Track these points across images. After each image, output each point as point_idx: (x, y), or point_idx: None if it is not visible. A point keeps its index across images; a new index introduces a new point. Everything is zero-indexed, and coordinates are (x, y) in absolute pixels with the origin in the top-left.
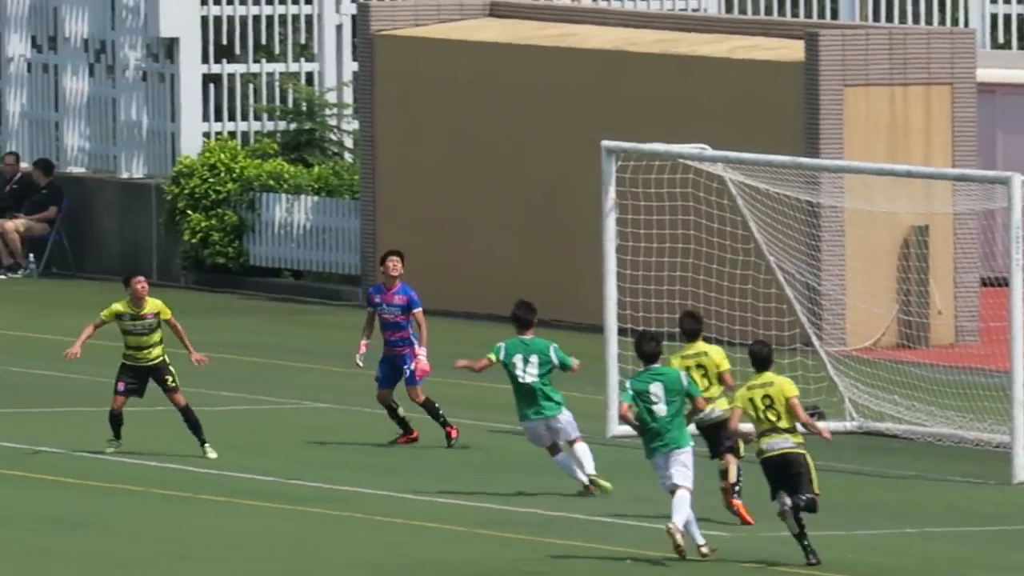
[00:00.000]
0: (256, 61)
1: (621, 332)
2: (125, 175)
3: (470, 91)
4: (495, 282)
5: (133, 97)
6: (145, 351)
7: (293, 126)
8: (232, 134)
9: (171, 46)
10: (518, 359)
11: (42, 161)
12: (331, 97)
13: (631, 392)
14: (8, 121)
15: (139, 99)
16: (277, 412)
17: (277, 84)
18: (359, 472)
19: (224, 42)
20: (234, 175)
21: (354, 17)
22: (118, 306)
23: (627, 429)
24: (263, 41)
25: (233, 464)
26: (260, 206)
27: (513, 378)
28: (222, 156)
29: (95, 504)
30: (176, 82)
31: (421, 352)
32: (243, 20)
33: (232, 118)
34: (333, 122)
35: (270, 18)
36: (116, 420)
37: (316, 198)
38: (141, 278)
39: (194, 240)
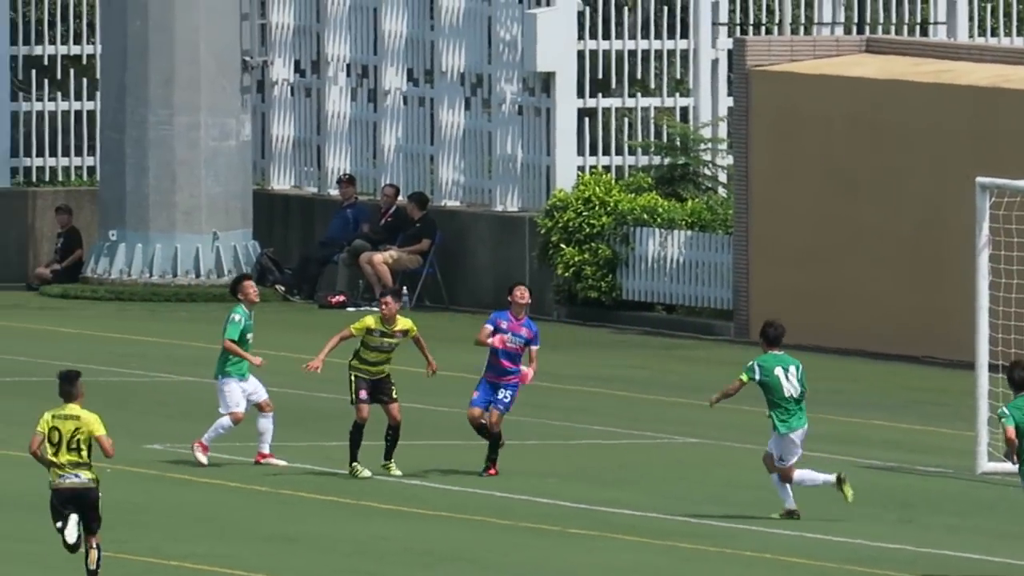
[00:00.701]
0: (631, 95)
1: (992, 368)
2: (499, 208)
3: (844, 127)
4: (866, 317)
5: (508, 131)
6: (381, 366)
7: (667, 161)
8: (607, 168)
9: (547, 80)
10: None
11: (416, 195)
12: (706, 132)
13: (1010, 416)
14: (383, 154)
15: (514, 133)
16: (647, 446)
17: (652, 119)
18: (729, 507)
19: (600, 76)
20: (608, 209)
21: (730, 52)
22: (370, 320)
23: (999, 465)
24: (639, 76)
25: (603, 498)
26: (634, 240)
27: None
28: (596, 190)
29: (462, 537)
30: (552, 116)
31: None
32: (619, 55)
33: (607, 152)
34: (707, 157)
35: (646, 53)
36: (360, 434)
37: (689, 232)
38: (389, 299)
39: (567, 274)
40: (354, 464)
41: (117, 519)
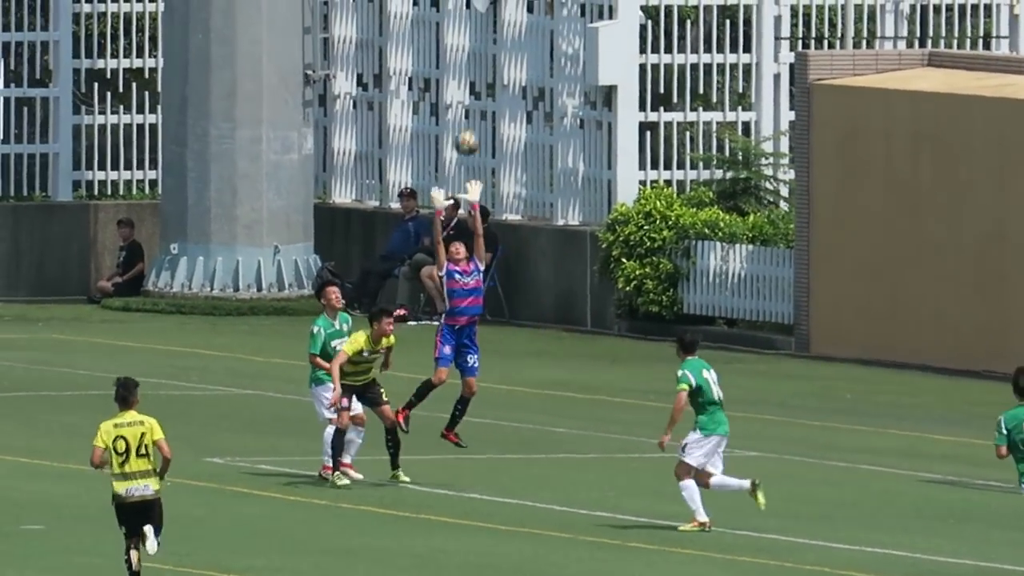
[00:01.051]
0: (693, 109)
1: None
2: (560, 222)
3: (906, 141)
4: (927, 331)
5: (570, 144)
6: (365, 375)
7: (729, 175)
8: (668, 182)
9: (609, 94)
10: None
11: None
12: (767, 146)
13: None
14: (445, 168)
15: (576, 146)
16: None
17: (714, 133)
18: (790, 521)
19: (662, 90)
20: (669, 223)
21: (792, 66)
22: (362, 341)
23: None
24: (701, 89)
25: (663, 511)
26: (695, 254)
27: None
28: (658, 204)
29: (523, 550)
30: (613, 130)
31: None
32: (681, 68)
33: (668, 166)
34: (769, 171)
35: (708, 66)
36: (341, 440)
37: (751, 247)
38: (393, 321)
39: (628, 288)
40: (336, 472)
41: (177, 532)
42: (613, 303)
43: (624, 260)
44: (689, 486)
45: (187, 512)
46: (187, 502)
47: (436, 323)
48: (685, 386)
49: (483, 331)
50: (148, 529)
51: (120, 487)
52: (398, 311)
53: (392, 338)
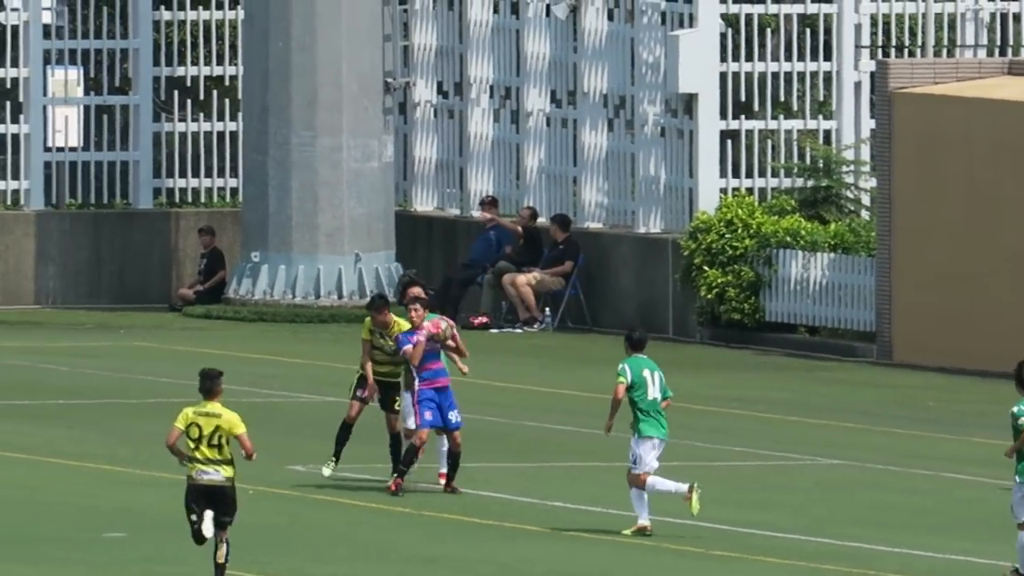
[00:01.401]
0: (774, 117)
1: None
2: (642, 230)
3: (987, 149)
4: (1008, 339)
5: (651, 153)
6: (389, 368)
7: (810, 183)
8: (749, 190)
9: (690, 102)
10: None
11: (559, 216)
12: (848, 154)
13: None
14: (526, 175)
15: (657, 154)
16: (790, 468)
17: (795, 141)
18: (872, 529)
19: (742, 98)
20: (751, 231)
21: (872, 74)
22: (368, 323)
23: None
24: (781, 97)
25: (745, 519)
26: (777, 262)
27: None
28: (739, 212)
29: (606, 558)
30: (694, 138)
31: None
32: (762, 76)
33: (749, 174)
34: (850, 179)
35: (788, 75)
36: (346, 433)
37: (832, 255)
38: (387, 311)
39: (710, 296)
40: (330, 460)
41: (259, 540)
42: (695, 311)
43: (706, 268)
44: (640, 494)
45: (269, 520)
46: (269, 510)
47: (519, 331)
48: (623, 379)
49: (566, 338)
50: (208, 514)
51: (190, 469)
52: (479, 319)
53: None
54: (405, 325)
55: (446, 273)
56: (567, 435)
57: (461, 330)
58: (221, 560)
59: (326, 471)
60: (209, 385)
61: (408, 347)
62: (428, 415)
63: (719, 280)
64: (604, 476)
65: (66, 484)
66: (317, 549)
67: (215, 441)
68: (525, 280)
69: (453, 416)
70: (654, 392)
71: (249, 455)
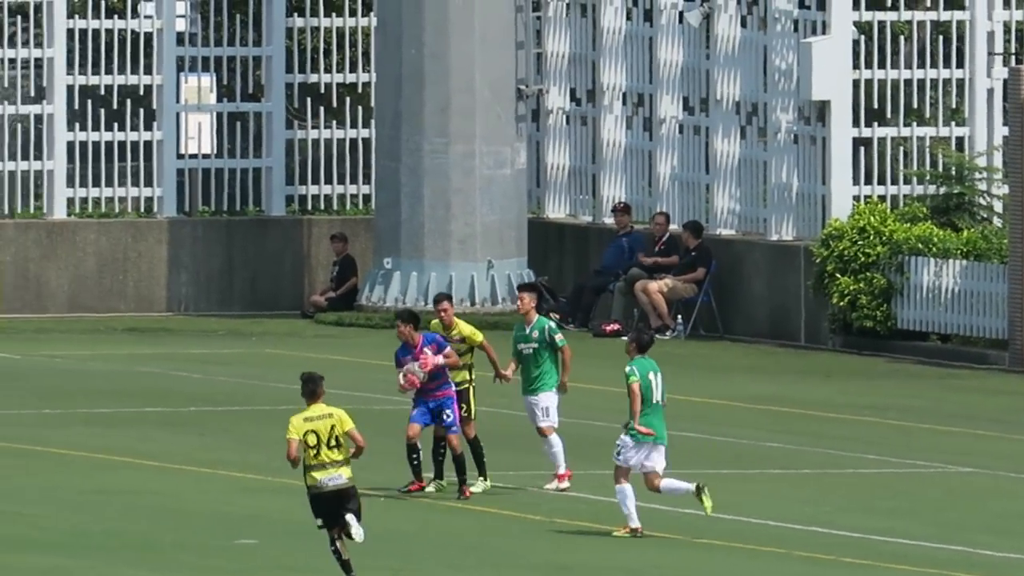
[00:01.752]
0: (907, 125)
1: None
2: (774, 238)
3: None
4: None
5: (784, 160)
6: (451, 372)
7: (943, 190)
8: (881, 197)
9: (823, 109)
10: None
11: (691, 223)
12: (981, 161)
13: None
14: (659, 182)
15: (790, 161)
16: (922, 476)
17: (927, 148)
18: (1004, 538)
19: (875, 105)
20: (883, 238)
21: (1005, 82)
22: (434, 324)
23: None
24: (914, 105)
25: (876, 527)
26: (909, 270)
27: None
28: (871, 219)
29: (736, 565)
30: (827, 145)
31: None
32: (894, 84)
33: (882, 181)
34: (983, 187)
35: (921, 82)
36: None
37: (964, 262)
38: (445, 304)
39: (842, 303)
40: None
41: (391, 547)
42: (827, 318)
43: (838, 275)
44: (623, 490)
45: (400, 527)
46: (399, 516)
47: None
48: (635, 379)
49: (697, 346)
50: (351, 517)
51: (314, 478)
52: (611, 326)
53: (471, 329)
54: (467, 328)
55: (578, 280)
56: (699, 442)
57: (593, 338)
58: (346, 556)
59: (430, 488)
60: (313, 387)
61: (411, 377)
62: (415, 412)
63: (851, 287)
64: (736, 483)
65: (198, 491)
66: (448, 556)
67: (333, 442)
68: (657, 287)
69: (447, 416)
70: (657, 395)
71: (360, 449)
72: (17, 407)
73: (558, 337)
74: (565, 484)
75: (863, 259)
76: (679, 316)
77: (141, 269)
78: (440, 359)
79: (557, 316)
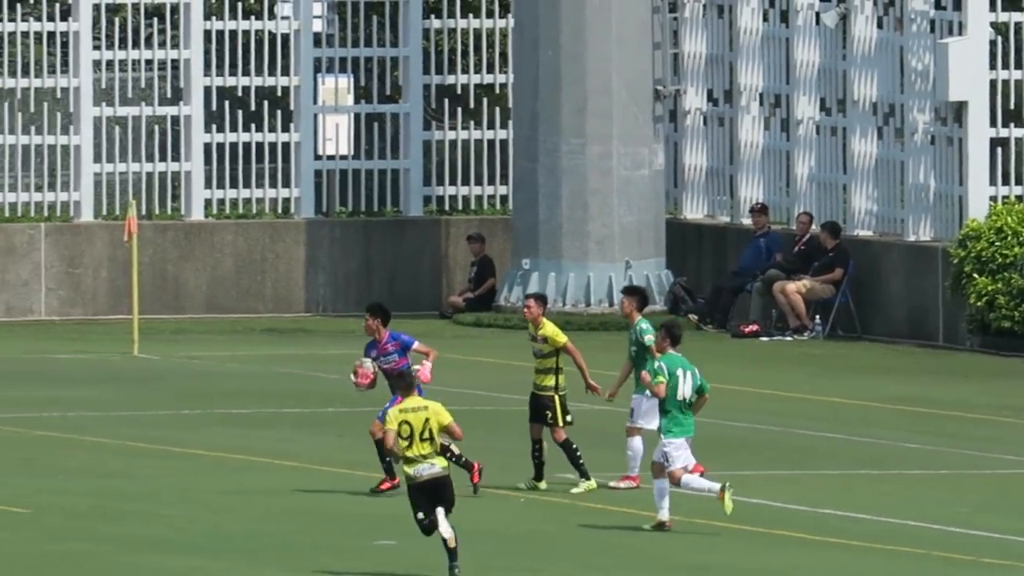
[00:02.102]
0: None
1: None
2: (912, 238)
3: None
4: None
5: (921, 160)
6: (538, 377)
7: None
8: (1019, 198)
9: (960, 109)
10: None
11: (829, 224)
12: None
13: None
14: (797, 183)
15: (927, 162)
16: None
17: None
18: None
19: (1012, 106)
20: (1021, 239)
21: None
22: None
23: None
24: None
25: (1016, 528)
26: None
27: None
28: (1009, 220)
29: (877, 566)
30: (964, 145)
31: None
32: None
33: (1019, 182)
34: None
35: None
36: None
37: None
38: (531, 301)
39: (980, 303)
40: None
41: (529, 548)
42: (965, 319)
43: (976, 276)
44: (662, 486)
45: (538, 528)
46: (538, 517)
47: (789, 339)
48: (662, 378)
49: (836, 346)
50: (440, 512)
51: (408, 469)
52: (749, 327)
53: (552, 330)
54: (550, 328)
55: (716, 281)
56: (838, 443)
57: (731, 338)
58: (453, 545)
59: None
60: (409, 380)
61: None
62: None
63: (989, 288)
64: (875, 484)
65: (337, 492)
66: (588, 556)
67: (426, 435)
68: (795, 288)
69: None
70: (683, 391)
71: (458, 438)
72: (155, 408)
73: (647, 338)
74: (625, 485)
75: (1000, 260)
76: (817, 316)
77: (279, 270)
78: (428, 373)
79: (695, 317)
